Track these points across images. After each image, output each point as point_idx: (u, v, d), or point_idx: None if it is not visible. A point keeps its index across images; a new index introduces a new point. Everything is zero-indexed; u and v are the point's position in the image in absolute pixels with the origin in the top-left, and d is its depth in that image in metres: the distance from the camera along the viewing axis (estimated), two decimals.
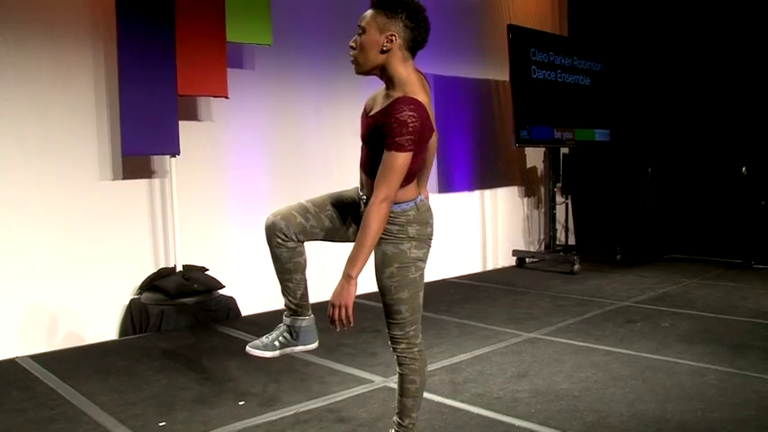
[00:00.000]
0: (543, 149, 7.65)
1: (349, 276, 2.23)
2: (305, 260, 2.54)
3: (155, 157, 5.14)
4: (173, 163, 5.01)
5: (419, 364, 2.50)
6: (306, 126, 6.05)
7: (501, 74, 7.47)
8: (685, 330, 4.59)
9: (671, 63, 7.88)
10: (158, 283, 4.93)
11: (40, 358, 4.25)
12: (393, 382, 3.54)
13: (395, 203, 2.33)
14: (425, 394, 3.40)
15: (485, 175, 7.60)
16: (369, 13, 2.30)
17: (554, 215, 7.55)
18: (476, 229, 7.55)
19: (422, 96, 2.27)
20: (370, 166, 2.32)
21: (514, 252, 7.65)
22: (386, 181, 2.21)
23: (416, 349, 2.48)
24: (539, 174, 8.26)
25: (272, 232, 2.45)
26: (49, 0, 4.65)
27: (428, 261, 2.47)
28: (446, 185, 7.19)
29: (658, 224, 7.86)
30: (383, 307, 2.47)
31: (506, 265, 7.70)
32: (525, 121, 6.81)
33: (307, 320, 2.58)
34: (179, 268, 5.06)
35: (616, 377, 3.65)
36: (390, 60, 2.29)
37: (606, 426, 3.01)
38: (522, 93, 6.82)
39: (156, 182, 5.20)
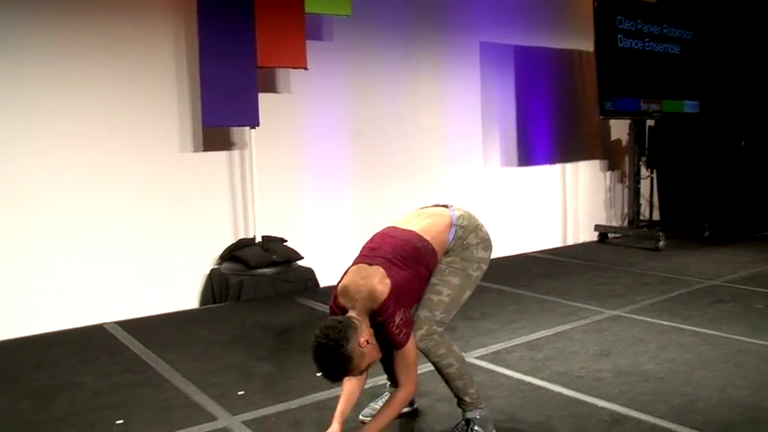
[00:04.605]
0: (628, 122, 7.40)
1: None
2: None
3: (234, 128, 5.19)
4: (252, 134, 5.04)
5: (445, 346, 2.51)
6: (383, 98, 5.99)
7: (585, 43, 7.21)
8: None
9: (767, 30, 7.46)
10: (238, 253, 5.00)
11: (126, 325, 4.40)
12: (471, 357, 3.50)
13: (445, 243, 2.51)
14: (504, 371, 3.35)
15: (566, 148, 7.40)
16: None
17: (638, 189, 7.29)
18: (556, 203, 7.38)
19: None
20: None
21: (596, 227, 7.46)
22: (408, 376, 2.42)
23: (436, 335, 2.49)
24: (623, 146, 7.99)
25: None
26: None
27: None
28: (526, 158, 7.05)
29: (750, 200, 7.50)
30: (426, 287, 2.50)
31: (588, 240, 7.50)
32: (610, 93, 6.61)
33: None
34: (258, 239, 5.12)
35: (704, 360, 3.48)
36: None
37: (695, 410, 2.87)
38: (607, 63, 6.62)
39: (235, 153, 5.26)
